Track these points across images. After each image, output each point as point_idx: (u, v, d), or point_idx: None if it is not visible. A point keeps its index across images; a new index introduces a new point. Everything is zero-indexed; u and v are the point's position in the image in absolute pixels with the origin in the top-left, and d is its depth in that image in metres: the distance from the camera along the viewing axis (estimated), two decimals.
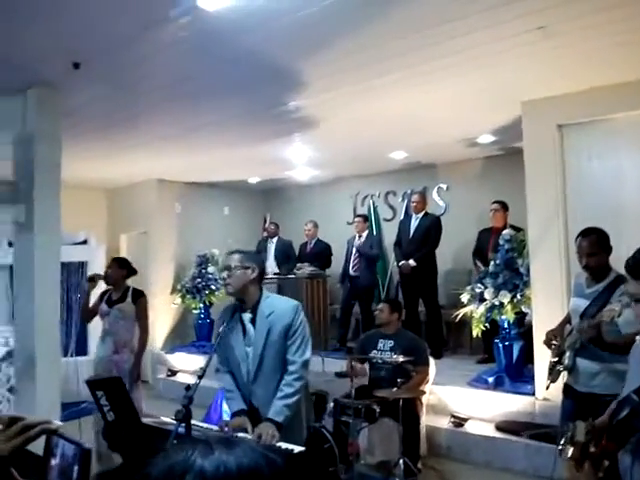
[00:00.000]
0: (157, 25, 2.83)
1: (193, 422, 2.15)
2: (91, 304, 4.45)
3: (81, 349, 6.01)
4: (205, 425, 2.55)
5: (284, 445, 2.25)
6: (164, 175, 7.42)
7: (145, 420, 2.29)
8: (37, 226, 3.73)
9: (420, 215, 6.39)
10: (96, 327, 4.66)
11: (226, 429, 2.43)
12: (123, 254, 7.89)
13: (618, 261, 2.90)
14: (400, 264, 6.28)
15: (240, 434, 2.39)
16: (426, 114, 4.80)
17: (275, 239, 7.66)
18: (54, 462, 1.10)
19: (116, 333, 4.22)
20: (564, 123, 4.34)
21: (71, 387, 4.67)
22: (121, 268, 4.36)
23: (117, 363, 4.16)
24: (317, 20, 2.84)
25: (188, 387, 2.30)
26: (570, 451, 1.30)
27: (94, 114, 4.46)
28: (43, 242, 3.76)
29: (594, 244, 2.95)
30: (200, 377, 2.39)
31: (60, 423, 1.10)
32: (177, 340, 7.61)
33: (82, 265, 6.68)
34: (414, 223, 6.39)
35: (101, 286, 4.47)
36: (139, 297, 4.34)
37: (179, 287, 7.49)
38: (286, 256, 7.33)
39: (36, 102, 3.79)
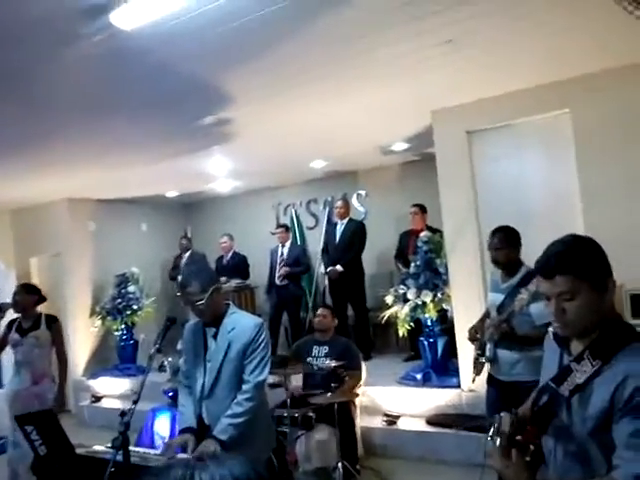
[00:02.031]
0: (70, 42, 2.72)
1: (131, 448, 2.10)
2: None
3: None
4: (142, 450, 2.49)
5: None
6: (75, 193, 7.03)
7: (79, 451, 2.19)
8: None
9: (345, 221, 6.55)
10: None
11: (167, 450, 2.38)
12: (34, 278, 7.44)
13: (524, 257, 3.17)
14: (328, 270, 6.39)
15: (180, 455, 2.35)
16: (342, 124, 4.92)
17: (187, 253, 7.61)
18: None
19: (32, 363, 4.02)
20: (471, 130, 4.58)
21: None
22: (30, 294, 4.16)
23: (39, 395, 3.95)
24: (236, 36, 2.85)
25: (123, 413, 2.24)
26: (498, 441, 1.41)
27: (0, 132, 4.20)
28: None
29: (502, 240, 3.19)
30: (135, 402, 2.33)
31: None
32: (99, 364, 7.23)
33: None
34: (339, 229, 6.54)
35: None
36: (53, 322, 4.17)
37: (98, 309, 7.15)
38: None
39: None
